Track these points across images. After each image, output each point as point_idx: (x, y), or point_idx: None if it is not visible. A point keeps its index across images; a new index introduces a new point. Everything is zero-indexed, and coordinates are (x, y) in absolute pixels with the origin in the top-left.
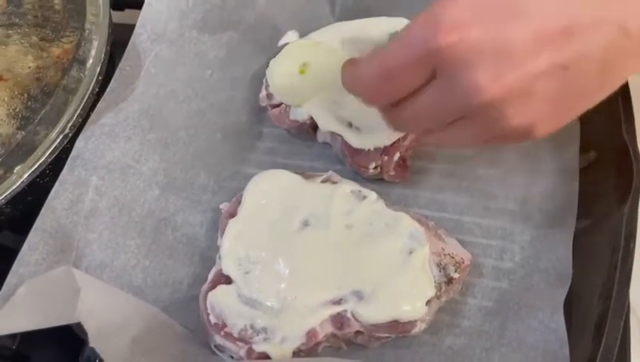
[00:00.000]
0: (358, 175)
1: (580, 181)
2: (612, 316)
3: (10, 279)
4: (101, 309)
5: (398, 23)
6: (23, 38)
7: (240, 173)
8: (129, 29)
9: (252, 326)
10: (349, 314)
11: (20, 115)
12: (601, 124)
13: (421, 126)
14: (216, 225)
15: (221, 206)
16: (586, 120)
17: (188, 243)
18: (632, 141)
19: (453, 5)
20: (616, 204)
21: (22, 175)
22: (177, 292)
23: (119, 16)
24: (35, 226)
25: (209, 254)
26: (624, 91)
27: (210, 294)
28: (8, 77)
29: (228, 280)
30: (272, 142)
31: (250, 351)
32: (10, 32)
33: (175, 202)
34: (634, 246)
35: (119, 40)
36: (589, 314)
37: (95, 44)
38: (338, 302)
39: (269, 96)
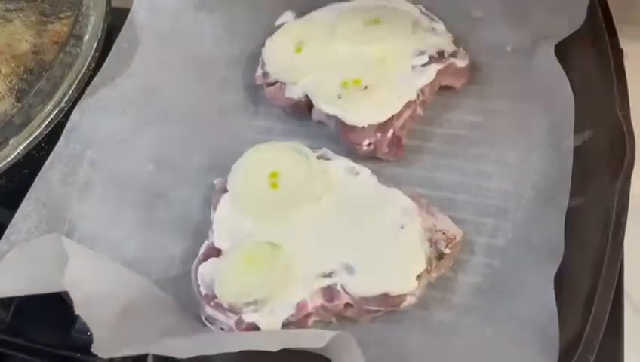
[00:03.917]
0: (352, 154)
1: (574, 159)
2: (602, 289)
3: (2, 245)
4: (89, 278)
5: (396, 2)
6: (22, 12)
7: (235, 151)
8: (127, 13)
9: None
10: (339, 287)
11: (16, 88)
12: (596, 102)
13: None
14: (209, 202)
15: (215, 181)
16: (581, 99)
17: (181, 218)
18: (626, 118)
19: None
20: (609, 181)
21: (17, 146)
22: (170, 266)
23: (118, 0)
24: (28, 195)
25: (202, 229)
26: (618, 70)
27: (202, 266)
28: (4, 50)
29: (219, 253)
30: (268, 120)
31: (239, 322)
32: (9, 6)
33: (169, 178)
34: (625, 221)
35: (117, 23)
36: (580, 289)
37: (92, 19)
38: (329, 274)
39: (265, 74)
